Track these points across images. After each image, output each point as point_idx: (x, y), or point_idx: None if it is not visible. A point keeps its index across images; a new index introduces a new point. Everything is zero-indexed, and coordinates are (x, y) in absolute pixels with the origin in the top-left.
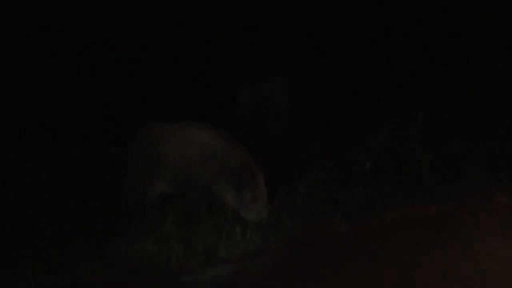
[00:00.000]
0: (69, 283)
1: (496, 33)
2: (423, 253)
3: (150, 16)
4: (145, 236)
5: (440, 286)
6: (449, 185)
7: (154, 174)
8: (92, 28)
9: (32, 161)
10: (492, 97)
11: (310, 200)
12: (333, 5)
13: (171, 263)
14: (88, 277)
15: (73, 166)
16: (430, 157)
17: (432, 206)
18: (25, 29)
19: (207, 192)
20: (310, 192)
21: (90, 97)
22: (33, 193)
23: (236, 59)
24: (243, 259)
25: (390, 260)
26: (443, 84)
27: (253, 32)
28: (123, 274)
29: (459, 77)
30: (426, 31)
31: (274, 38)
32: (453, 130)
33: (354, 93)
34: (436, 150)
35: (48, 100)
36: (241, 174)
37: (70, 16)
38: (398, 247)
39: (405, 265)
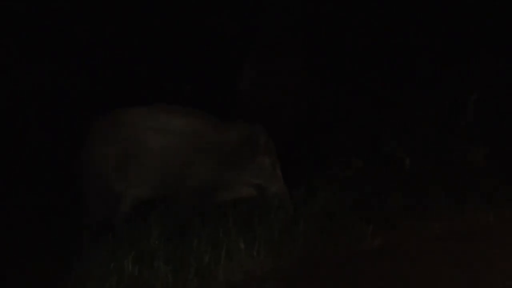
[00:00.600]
0: None
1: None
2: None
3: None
4: (123, 254)
5: None
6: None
7: (126, 179)
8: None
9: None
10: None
11: (333, 206)
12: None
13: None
14: None
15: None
16: (484, 151)
17: (489, 214)
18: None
19: (202, 194)
20: (333, 196)
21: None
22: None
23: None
24: (248, 284)
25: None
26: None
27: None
28: None
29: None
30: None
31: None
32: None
33: (359, 92)
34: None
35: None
36: (251, 144)
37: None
38: (446, 269)
39: None
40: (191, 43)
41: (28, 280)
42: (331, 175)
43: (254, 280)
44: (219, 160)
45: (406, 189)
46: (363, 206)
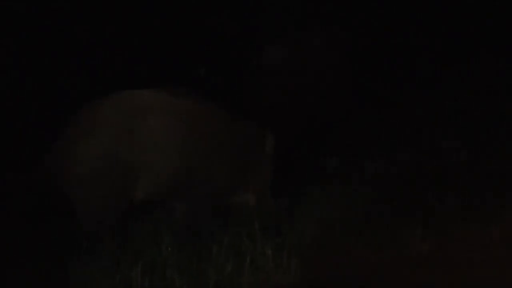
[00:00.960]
0: None
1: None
2: None
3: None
4: (129, 263)
5: None
6: None
7: (128, 181)
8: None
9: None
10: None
11: (375, 207)
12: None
13: None
14: None
15: None
16: None
17: None
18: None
19: (213, 196)
20: (375, 195)
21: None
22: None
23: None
24: None
25: None
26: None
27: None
28: None
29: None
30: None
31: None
32: None
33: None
34: None
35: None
36: (260, 149)
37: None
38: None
39: None
40: (207, 22)
41: None
42: (373, 171)
43: None
44: (231, 161)
45: (462, 187)
46: (411, 206)
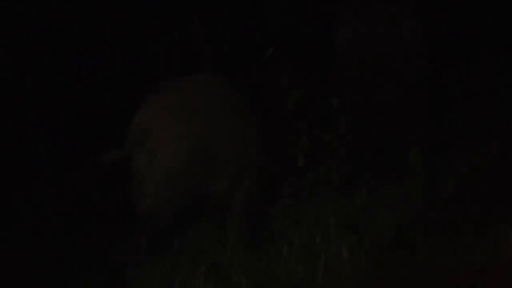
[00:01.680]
0: None
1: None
2: None
3: None
4: (189, 266)
5: None
6: None
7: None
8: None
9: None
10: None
11: (460, 206)
12: None
13: None
14: None
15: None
16: None
17: None
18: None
19: None
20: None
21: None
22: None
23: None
24: None
25: None
26: None
27: None
28: None
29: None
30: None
31: None
32: None
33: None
34: None
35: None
36: None
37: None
38: None
39: None
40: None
41: None
42: (457, 164)
43: None
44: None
45: None
46: (500, 206)
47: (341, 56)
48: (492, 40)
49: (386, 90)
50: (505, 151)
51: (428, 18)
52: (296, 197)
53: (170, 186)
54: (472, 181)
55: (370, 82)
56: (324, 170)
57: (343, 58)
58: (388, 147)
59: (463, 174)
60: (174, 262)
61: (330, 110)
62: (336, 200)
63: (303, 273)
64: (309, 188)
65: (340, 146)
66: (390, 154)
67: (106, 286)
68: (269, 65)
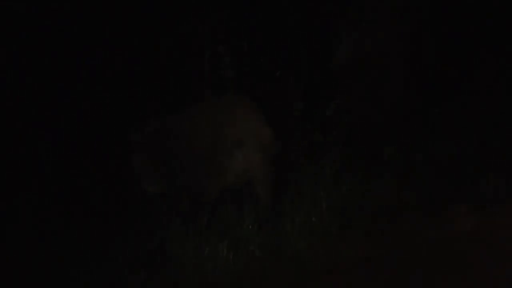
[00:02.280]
0: None
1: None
2: None
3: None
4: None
5: None
6: None
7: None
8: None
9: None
10: None
11: (428, 186)
12: None
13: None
14: None
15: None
16: None
17: None
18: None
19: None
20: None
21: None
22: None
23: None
24: (340, 271)
25: None
26: None
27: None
28: None
29: None
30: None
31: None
32: None
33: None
34: None
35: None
36: None
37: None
38: None
39: None
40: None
41: (119, 263)
42: (424, 159)
43: (346, 266)
44: None
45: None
46: (457, 186)
47: (339, 69)
48: (474, 46)
49: (377, 97)
50: (471, 146)
51: (415, 30)
52: (297, 186)
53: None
54: (437, 170)
55: (363, 91)
56: (320, 165)
57: (341, 71)
58: (374, 146)
59: (431, 164)
60: (204, 236)
61: (325, 117)
62: (329, 189)
63: (302, 245)
64: (307, 179)
65: (333, 146)
66: (374, 151)
67: (151, 255)
68: (278, 83)
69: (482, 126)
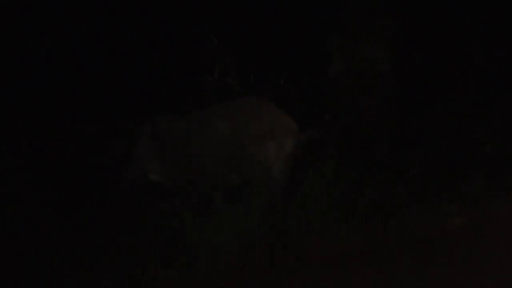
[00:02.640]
0: None
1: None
2: None
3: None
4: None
5: None
6: None
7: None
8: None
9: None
10: None
11: (419, 185)
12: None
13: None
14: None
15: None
16: None
17: None
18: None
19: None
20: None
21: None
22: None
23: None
24: (339, 262)
25: None
26: None
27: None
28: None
29: None
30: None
31: (360, 23)
32: None
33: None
34: None
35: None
36: None
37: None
38: None
39: None
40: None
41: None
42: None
43: (345, 259)
44: None
45: (490, 171)
46: (447, 186)
47: (333, 82)
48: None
49: (365, 105)
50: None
51: (399, 46)
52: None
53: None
54: (427, 170)
55: (354, 100)
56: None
57: (335, 84)
58: (367, 147)
59: (421, 164)
60: (217, 227)
61: (324, 122)
62: (327, 186)
63: (303, 238)
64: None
65: (332, 147)
66: (368, 152)
67: (168, 242)
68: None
69: (471, 126)
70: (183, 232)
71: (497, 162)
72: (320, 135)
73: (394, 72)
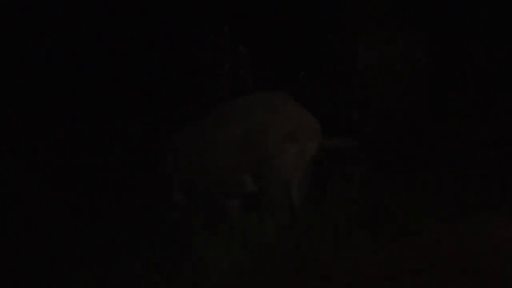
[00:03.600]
0: None
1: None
2: None
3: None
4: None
5: None
6: None
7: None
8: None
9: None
10: None
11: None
12: None
13: None
14: None
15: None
16: None
17: None
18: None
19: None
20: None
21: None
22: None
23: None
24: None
25: None
26: None
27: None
28: None
29: None
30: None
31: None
32: None
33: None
34: None
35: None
36: None
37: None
38: None
39: None
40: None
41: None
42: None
43: (369, 280)
44: None
45: None
46: (494, 195)
47: (360, 77)
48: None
49: (395, 103)
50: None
51: (431, 42)
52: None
53: None
54: (466, 176)
55: (382, 96)
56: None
57: (362, 79)
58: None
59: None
60: (228, 242)
61: (351, 122)
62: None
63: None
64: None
65: (360, 152)
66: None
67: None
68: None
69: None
70: (191, 246)
71: None
72: (350, 145)
73: (426, 66)
